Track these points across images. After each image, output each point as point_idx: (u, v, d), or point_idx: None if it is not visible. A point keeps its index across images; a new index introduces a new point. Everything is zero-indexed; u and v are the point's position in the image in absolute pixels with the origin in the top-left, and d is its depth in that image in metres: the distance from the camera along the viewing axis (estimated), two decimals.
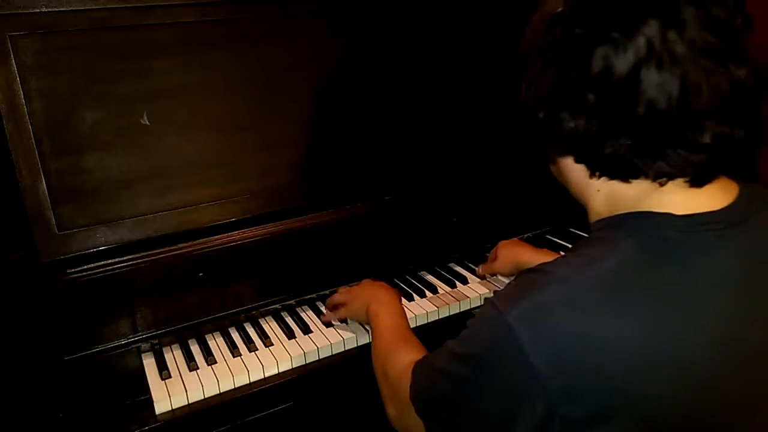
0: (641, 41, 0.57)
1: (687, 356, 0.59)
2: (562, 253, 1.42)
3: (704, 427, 0.61)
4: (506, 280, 1.39)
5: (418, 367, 0.79)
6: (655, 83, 0.58)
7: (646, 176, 0.63)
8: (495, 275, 1.42)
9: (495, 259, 1.38)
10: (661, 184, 0.64)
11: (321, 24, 1.31)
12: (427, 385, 0.76)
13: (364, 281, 1.26)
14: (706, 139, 0.59)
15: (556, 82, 0.63)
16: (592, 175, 0.68)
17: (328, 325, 1.26)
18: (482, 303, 1.35)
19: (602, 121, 0.61)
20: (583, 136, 0.63)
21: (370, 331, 1.12)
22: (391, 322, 1.06)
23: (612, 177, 0.66)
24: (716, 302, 0.61)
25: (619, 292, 0.60)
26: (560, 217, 1.63)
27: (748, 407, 0.62)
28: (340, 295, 1.26)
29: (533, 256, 1.29)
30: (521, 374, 0.60)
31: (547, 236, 1.63)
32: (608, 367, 0.58)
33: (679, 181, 0.63)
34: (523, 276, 0.67)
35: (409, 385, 0.79)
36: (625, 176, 0.65)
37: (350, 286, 1.27)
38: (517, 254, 1.33)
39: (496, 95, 1.50)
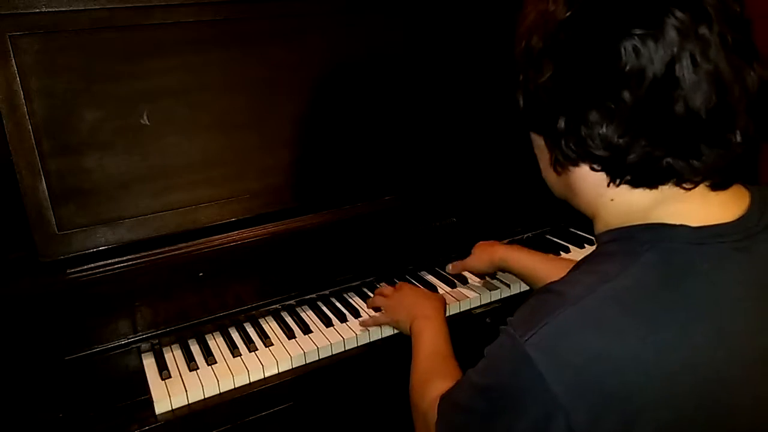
0: (672, 36, 0.55)
1: (709, 373, 0.57)
2: (548, 254, 1.38)
3: None
4: (505, 279, 1.39)
5: (443, 402, 0.76)
6: (692, 81, 0.55)
7: (676, 180, 0.60)
8: (465, 272, 1.40)
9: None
10: (686, 189, 0.61)
11: (321, 24, 1.31)
12: (452, 422, 0.73)
13: (404, 285, 1.24)
14: (738, 137, 0.58)
15: (580, 83, 0.59)
16: (611, 182, 0.63)
17: (330, 323, 1.26)
18: (481, 303, 1.35)
19: (637, 121, 0.57)
20: (614, 140, 0.59)
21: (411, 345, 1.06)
22: (432, 346, 1.01)
23: (637, 183, 0.62)
24: (737, 317, 0.59)
25: (638, 311, 0.57)
26: (560, 217, 1.63)
27: (765, 420, 0.61)
28: (382, 298, 1.22)
29: (508, 253, 1.27)
30: (543, 405, 0.57)
31: (547, 236, 1.63)
32: (629, 389, 0.56)
33: (700, 186, 0.61)
34: (535, 298, 0.64)
35: (435, 420, 0.77)
36: (653, 181, 0.61)
37: (392, 287, 1.25)
38: (491, 252, 1.30)
39: (495, 95, 1.50)
